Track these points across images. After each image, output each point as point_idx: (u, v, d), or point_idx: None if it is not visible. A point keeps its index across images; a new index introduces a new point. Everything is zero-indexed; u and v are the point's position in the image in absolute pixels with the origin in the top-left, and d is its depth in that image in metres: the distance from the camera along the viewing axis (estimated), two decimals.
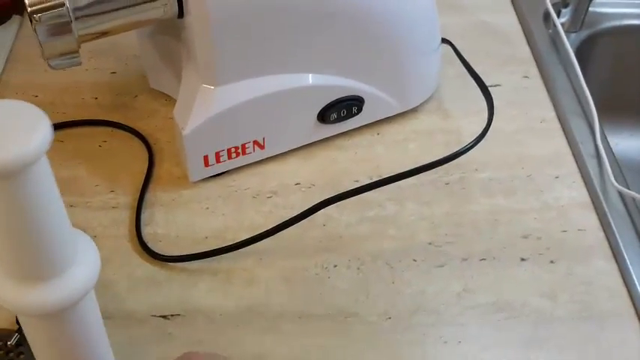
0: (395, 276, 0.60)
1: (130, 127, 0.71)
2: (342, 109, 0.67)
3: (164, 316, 0.58)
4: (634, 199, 0.65)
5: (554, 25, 0.80)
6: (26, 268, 0.38)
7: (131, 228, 0.63)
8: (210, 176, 0.67)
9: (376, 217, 0.65)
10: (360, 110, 0.69)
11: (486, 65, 0.77)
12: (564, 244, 0.63)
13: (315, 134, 0.69)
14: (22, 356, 0.54)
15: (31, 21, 0.54)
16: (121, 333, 0.56)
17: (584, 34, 0.85)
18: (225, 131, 0.64)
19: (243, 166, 0.68)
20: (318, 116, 0.67)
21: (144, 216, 0.64)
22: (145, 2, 0.58)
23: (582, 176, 0.68)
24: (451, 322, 0.57)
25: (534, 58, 0.80)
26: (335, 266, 0.61)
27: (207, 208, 0.65)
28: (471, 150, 0.62)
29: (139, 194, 0.65)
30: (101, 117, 0.72)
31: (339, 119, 0.68)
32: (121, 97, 0.75)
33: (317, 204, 0.60)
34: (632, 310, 0.58)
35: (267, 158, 0.68)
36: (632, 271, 0.60)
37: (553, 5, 0.80)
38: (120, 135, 0.71)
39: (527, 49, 0.81)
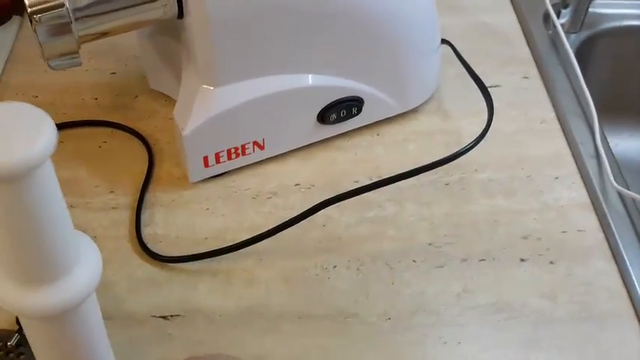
0: (395, 276, 0.60)
1: (130, 128, 0.71)
2: (341, 109, 0.67)
3: (164, 317, 0.58)
4: (634, 200, 0.65)
5: (554, 26, 0.80)
6: (29, 271, 0.38)
7: (131, 229, 0.63)
8: (210, 177, 0.67)
9: (376, 217, 0.65)
10: (359, 111, 0.69)
11: (486, 66, 0.77)
12: (564, 245, 0.63)
13: (315, 135, 0.69)
14: (22, 357, 0.54)
15: (31, 22, 0.54)
16: (121, 333, 0.56)
17: (583, 34, 0.85)
18: (225, 132, 0.64)
19: (243, 166, 0.68)
20: (317, 117, 0.67)
21: (144, 217, 0.64)
22: (144, 3, 0.58)
23: (582, 177, 0.68)
24: (451, 322, 0.57)
25: (534, 59, 0.80)
26: (335, 267, 0.61)
27: (207, 208, 0.65)
28: (471, 151, 0.62)
29: (138, 195, 0.65)
30: (101, 117, 0.72)
31: (339, 120, 0.68)
32: (121, 98, 0.75)
33: (317, 205, 0.60)
34: (631, 311, 0.58)
35: (267, 159, 0.68)
36: (631, 271, 0.60)
37: (553, 6, 0.80)
38: (120, 135, 0.71)
39: (527, 49, 0.82)
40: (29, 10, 0.53)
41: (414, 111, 0.73)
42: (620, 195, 0.66)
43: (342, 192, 0.60)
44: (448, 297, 0.59)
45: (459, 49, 0.74)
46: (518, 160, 0.70)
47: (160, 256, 0.61)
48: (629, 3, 0.87)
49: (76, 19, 0.55)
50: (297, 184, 0.67)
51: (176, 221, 0.64)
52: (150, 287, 0.59)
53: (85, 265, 0.40)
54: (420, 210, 0.65)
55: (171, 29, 0.65)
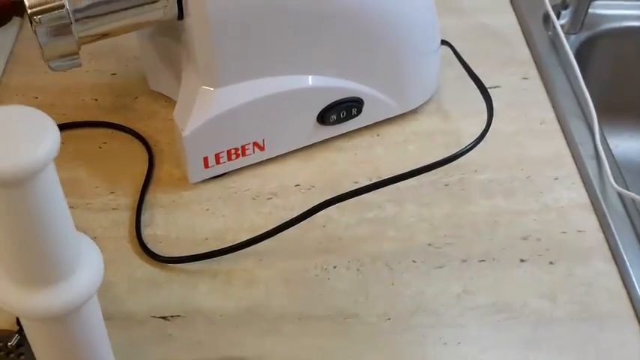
0: (394, 277, 0.60)
1: (130, 129, 0.71)
2: (341, 110, 0.67)
3: (164, 317, 0.58)
4: (633, 201, 0.65)
5: (554, 27, 0.80)
6: (31, 273, 0.38)
7: (131, 229, 0.63)
8: (210, 177, 0.67)
9: (376, 218, 0.65)
10: (359, 112, 0.69)
11: (486, 67, 0.77)
12: (564, 246, 0.63)
13: (315, 136, 0.69)
14: (22, 357, 0.54)
15: (31, 23, 0.54)
16: (121, 334, 0.56)
17: (583, 35, 0.85)
18: (225, 133, 0.64)
19: (243, 167, 0.68)
20: (317, 118, 0.67)
21: (144, 217, 0.64)
22: (144, 4, 0.58)
23: (582, 177, 0.68)
24: (451, 323, 0.58)
25: (534, 60, 0.80)
26: (335, 267, 0.61)
27: (208, 209, 0.65)
28: (471, 151, 0.62)
29: (139, 196, 0.66)
30: (101, 118, 0.73)
31: (339, 121, 0.68)
32: (121, 99, 0.75)
33: (317, 205, 0.60)
34: (631, 312, 0.58)
35: (267, 160, 0.68)
36: (631, 272, 0.60)
37: (553, 7, 0.80)
38: (120, 136, 0.71)
39: (526, 50, 0.82)
40: (29, 11, 0.53)
41: (413, 112, 0.73)
42: (620, 196, 0.66)
43: (342, 193, 0.60)
44: (448, 297, 0.59)
45: (458, 50, 0.74)
46: (518, 160, 0.70)
47: (160, 256, 0.61)
48: (628, 4, 0.88)
49: (76, 20, 0.55)
50: (297, 185, 0.67)
51: (176, 222, 0.64)
52: (150, 288, 0.59)
53: (86, 267, 0.40)
54: (420, 211, 0.65)
55: (172, 30, 0.65)
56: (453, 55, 0.74)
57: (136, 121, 0.72)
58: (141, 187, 0.66)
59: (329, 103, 0.66)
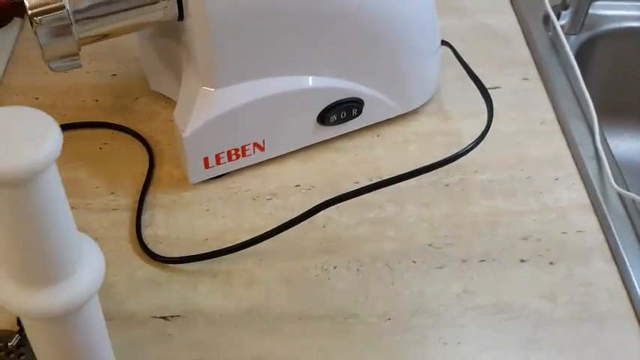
0: (394, 277, 0.60)
1: (131, 130, 0.72)
2: (341, 111, 0.67)
3: (164, 318, 0.58)
4: (634, 201, 0.65)
5: (554, 28, 0.80)
6: (33, 273, 0.38)
7: (131, 230, 0.63)
8: (211, 178, 0.67)
9: (376, 218, 0.65)
10: (359, 112, 0.69)
11: (486, 67, 0.77)
12: (564, 246, 0.63)
13: (315, 136, 0.69)
14: (22, 357, 0.54)
15: (31, 23, 0.54)
16: (122, 334, 0.56)
17: (583, 36, 0.85)
18: (225, 133, 0.64)
19: (244, 168, 0.68)
20: (317, 118, 0.67)
21: (144, 218, 0.64)
22: (145, 5, 0.58)
23: (582, 178, 0.68)
24: (451, 323, 0.58)
25: (534, 60, 0.80)
26: (335, 267, 0.61)
27: (208, 209, 0.65)
28: (471, 152, 0.62)
29: (139, 196, 0.66)
30: (102, 119, 0.73)
31: (339, 121, 0.68)
32: (122, 100, 0.75)
33: (317, 205, 0.60)
34: (631, 312, 0.58)
35: (267, 160, 0.69)
36: (631, 272, 0.60)
37: (553, 7, 0.81)
38: (120, 137, 0.72)
39: (526, 51, 0.82)
40: (30, 12, 0.53)
41: (414, 112, 0.73)
42: (620, 196, 0.66)
43: (342, 193, 0.60)
44: (448, 298, 0.59)
45: (458, 50, 0.74)
46: (518, 161, 0.70)
47: (161, 256, 0.61)
48: (629, 4, 0.88)
49: (77, 21, 0.56)
50: (297, 185, 0.67)
51: (176, 222, 0.64)
52: (150, 288, 0.60)
53: (87, 267, 0.40)
54: (420, 211, 0.65)
55: (172, 31, 0.65)
56: (453, 56, 0.74)
57: (136, 122, 0.72)
58: (141, 188, 0.66)
59: (329, 104, 0.66)
